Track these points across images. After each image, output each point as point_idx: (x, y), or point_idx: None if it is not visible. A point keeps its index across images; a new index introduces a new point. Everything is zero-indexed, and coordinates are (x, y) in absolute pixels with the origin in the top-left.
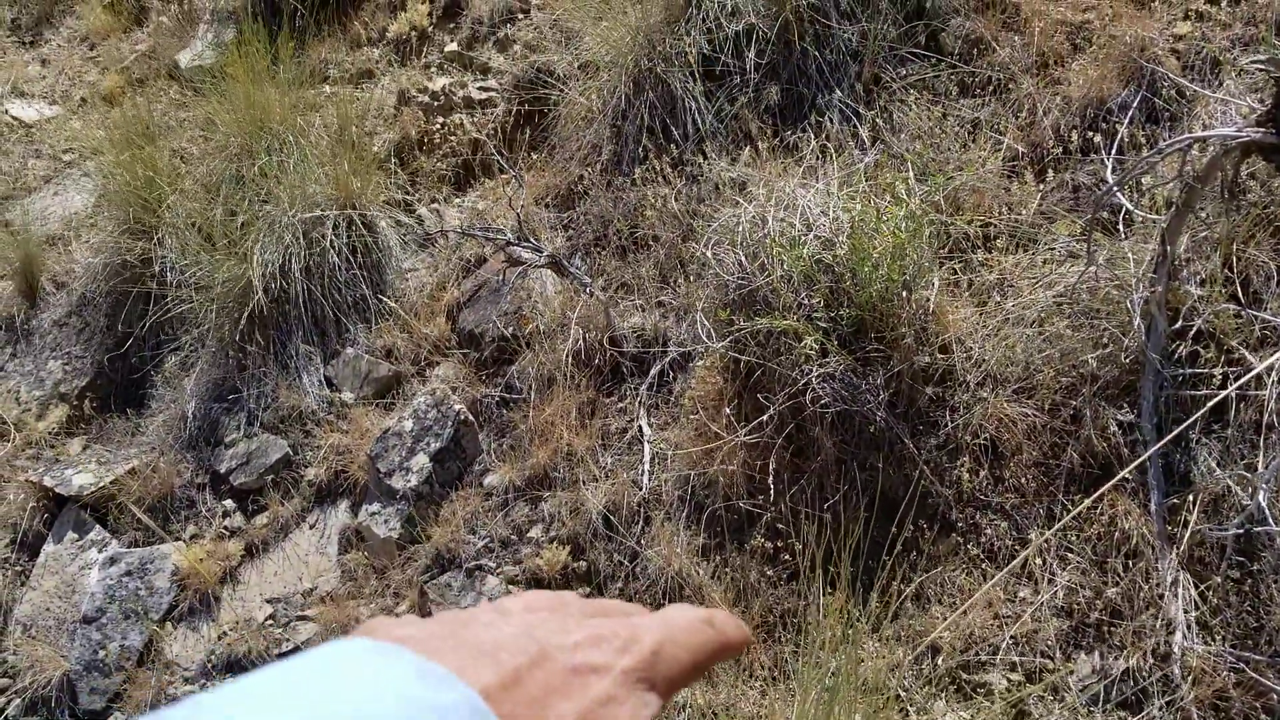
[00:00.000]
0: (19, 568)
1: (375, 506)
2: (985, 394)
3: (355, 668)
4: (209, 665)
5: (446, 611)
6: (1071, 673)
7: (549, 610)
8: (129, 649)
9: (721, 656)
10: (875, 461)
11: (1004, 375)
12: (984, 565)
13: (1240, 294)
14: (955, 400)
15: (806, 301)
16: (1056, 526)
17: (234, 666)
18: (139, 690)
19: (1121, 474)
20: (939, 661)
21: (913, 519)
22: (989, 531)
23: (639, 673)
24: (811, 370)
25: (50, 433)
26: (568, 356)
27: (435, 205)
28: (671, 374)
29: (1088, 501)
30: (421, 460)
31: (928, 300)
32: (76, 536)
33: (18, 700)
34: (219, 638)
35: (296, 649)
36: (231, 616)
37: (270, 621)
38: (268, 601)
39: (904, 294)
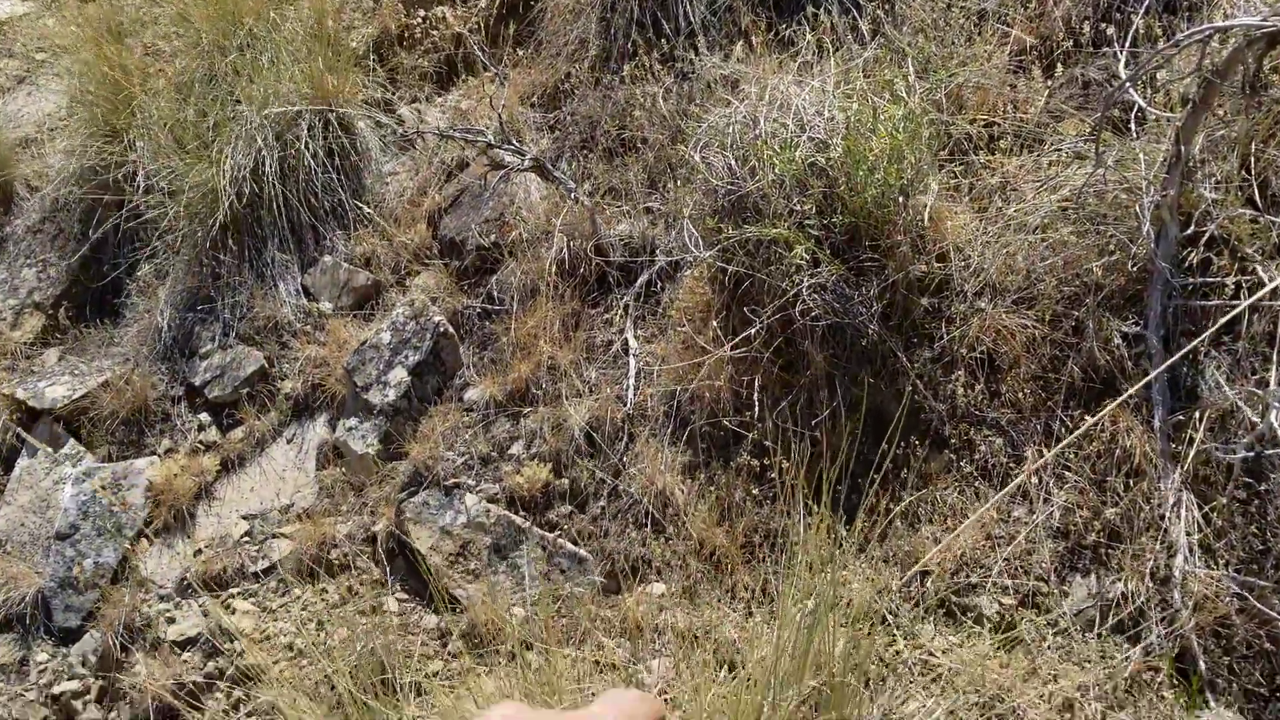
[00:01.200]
0: None
1: (353, 421)
2: (983, 304)
3: None
4: (184, 583)
5: None
6: (1066, 596)
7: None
8: (103, 566)
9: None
10: (866, 376)
11: (1003, 285)
12: (977, 484)
13: (1258, 197)
14: (951, 311)
15: (798, 208)
16: (1058, 446)
17: (211, 584)
18: (113, 608)
19: (1128, 392)
20: (928, 584)
21: (904, 436)
22: (983, 449)
23: None
24: (802, 281)
25: (25, 343)
26: (552, 265)
27: (416, 104)
28: (659, 284)
29: (1092, 420)
30: (399, 374)
31: (925, 206)
32: (51, 450)
33: None
34: (194, 555)
35: (272, 567)
36: (207, 533)
37: (246, 538)
38: (244, 518)
39: (901, 199)
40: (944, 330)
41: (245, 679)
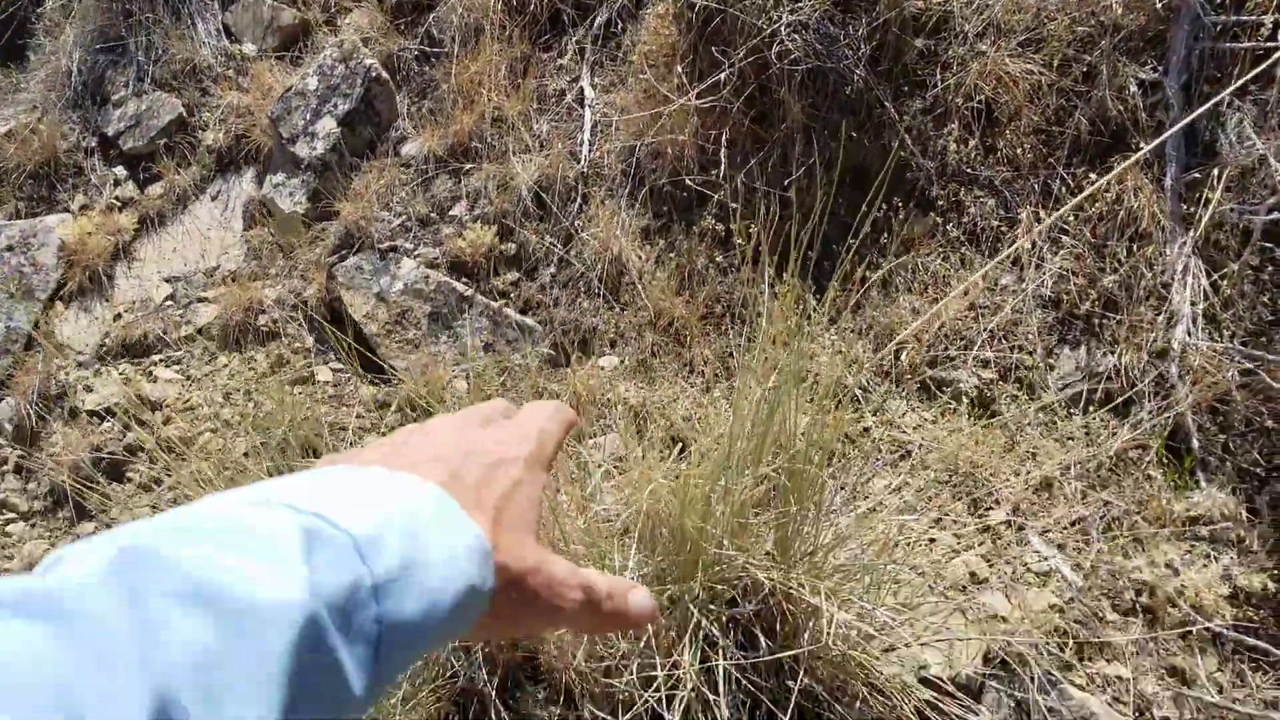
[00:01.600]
0: None
1: (279, 177)
2: (984, 47)
3: (366, 480)
4: (103, 349)
5: (385, 442)
6: (1052, 370)
7: (463, 422)
8: (15, 331)
9: (571, 430)
10: (849, 129)
11: (1009, 25)
12: (964, 250)
13: None
14: (948, 55)
15: None
16: (1059, 210)
17: (131, 350)
18: (27, 375)
19: (1142, 150)
20: (903, 358)
21: (886, 197)
22: (973, 211)
23: (533, 457)
24: (780, 17)
25: None
26: (497, 1)
27: None
28: (620, 24)
29: (1099, 179)
30: (328, 125)
31: None
32: None
33: None
34: (114, 319)
35: (198, 333)
36: (127, 297)
37: (170, 303)
38: (166, 281)
39: None
40: (938, 77)
41: (169, 450)
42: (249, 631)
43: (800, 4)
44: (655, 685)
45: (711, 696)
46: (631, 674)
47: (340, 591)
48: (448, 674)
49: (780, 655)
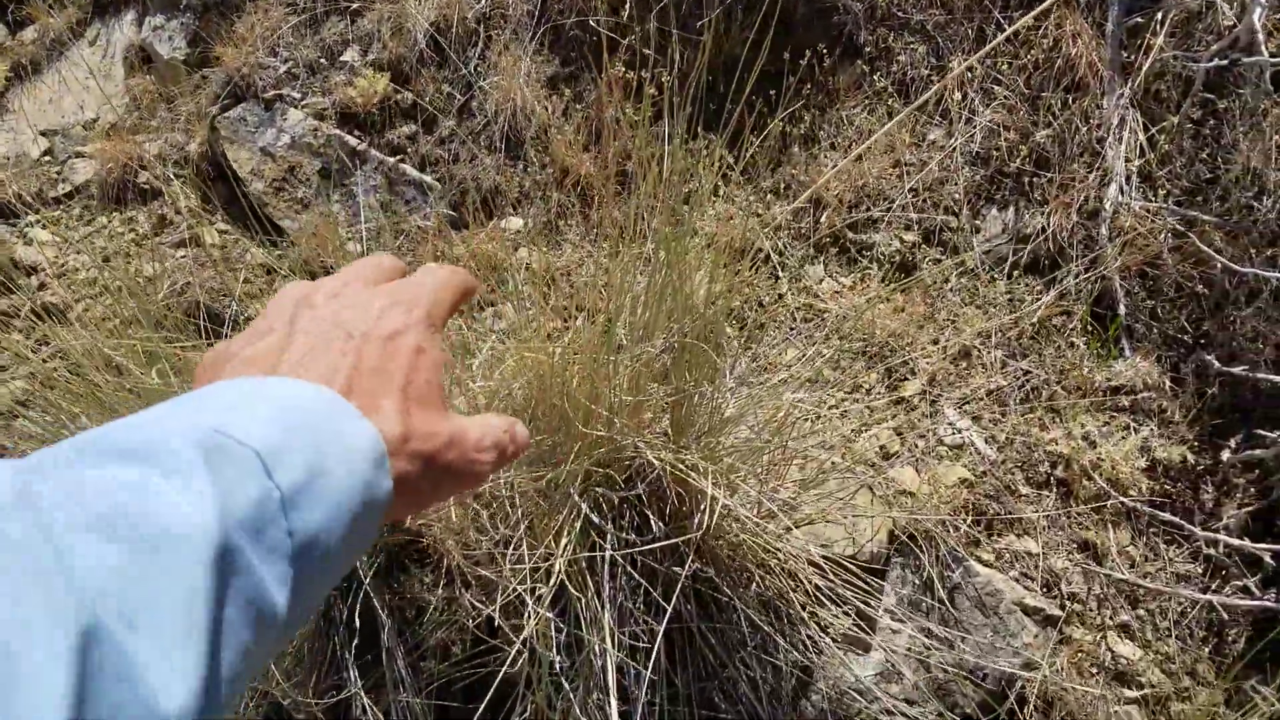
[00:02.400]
0: None
1: (159, 19)
2: None
3: (261, 390)
4: None
5: (266, 317)
6: (978, 231)
7: (343, 287)
8: None
9: (468, 296)
10: None
11: None
12: (890, 101)
13: None
14: None
15: None
16: (988, 46)
17: (4, 211)
18: None
19: None
20: (821, 218)
21: (811, 43)
22: (902, 58)
23: (428, 320)
24: None
25: None
26: None
27: None
28: None
29: (1032, 16)
30: None
31: None
32: None
33: None
34: None
35: (76, 191)
36: (0, 152)
37: (47, 158)
38: (42, 134)
39: None
40: None
41: (45, 316)
42: (164, 555)
43: None
44: (529, 575)
45: (592, 580)
46: (513, 562)
47: (250, 507)
48: None
49: (672, 540)
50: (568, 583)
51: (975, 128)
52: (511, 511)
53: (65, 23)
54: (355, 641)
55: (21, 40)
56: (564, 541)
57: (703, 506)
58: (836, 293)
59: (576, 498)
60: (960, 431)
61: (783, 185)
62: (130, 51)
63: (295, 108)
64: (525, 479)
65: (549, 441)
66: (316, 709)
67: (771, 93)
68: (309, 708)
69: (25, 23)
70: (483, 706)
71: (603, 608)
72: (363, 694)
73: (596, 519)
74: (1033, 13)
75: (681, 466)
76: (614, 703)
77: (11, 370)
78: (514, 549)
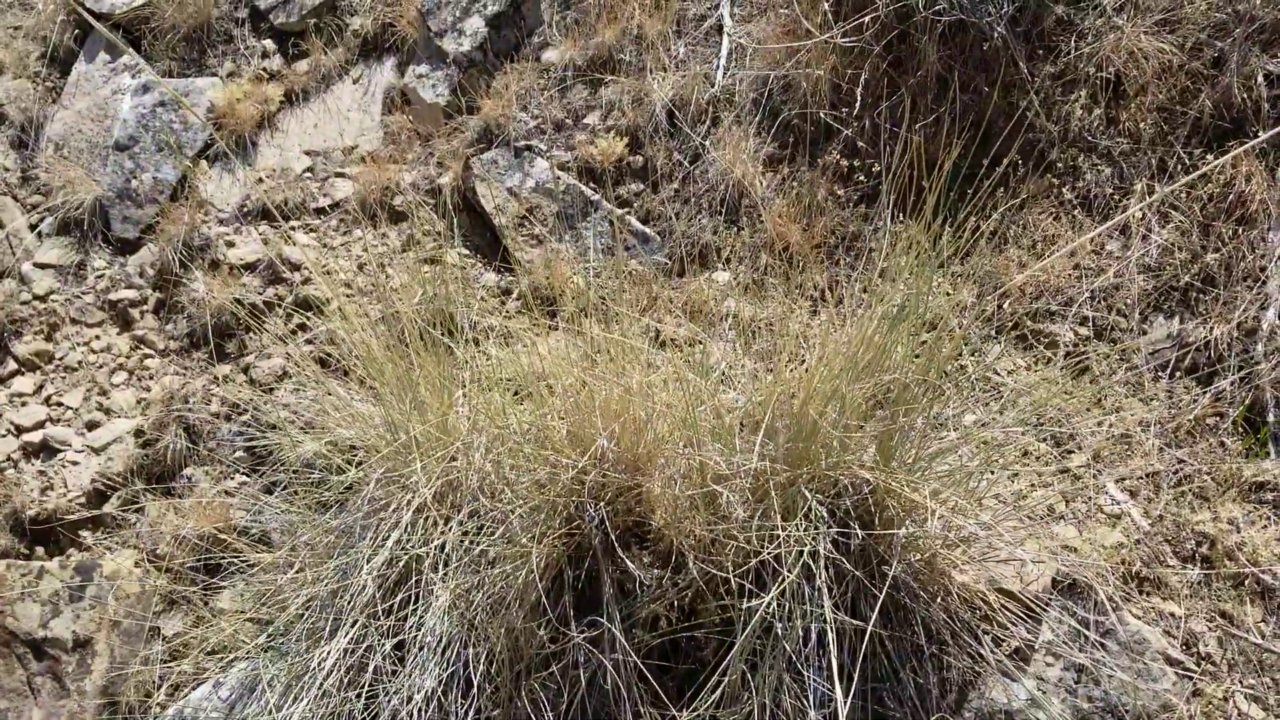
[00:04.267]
0: (50, 84)
1: (423, 68)
2: (1121, 22)
3: None
4: (244, 209)
5: None
6: (1145, 334)
7: None
8: (162, 182)
9: None
10: (981, 84)
11: (1146, 3)
12: (1076, 212)
13: None
14: (1085, 25)
15: None
16: (1175, 184)
17: (270, 214)
18: (173, 225)
19: (1263, 138)
20: (1005, 306)
21: (1008, 153)
22: (1090, 176)
23: None
24: None
25: None
26: None
27: None
28: None
29: (1215, 160)
30: (476, 23)
31: None
32: (109, 59)
33: (51, 219)
34: (256, 183)
35: (335, 205)
36: (269, 163)
37: (309, 174)
38: (306, 153)
39: None
40: (1073, 45)
41: (305, 307)
42: None
43: None
44: (763, 553)
45: (812, 565)
46: (745, 540)
47: None
48: (568, 527)
49: (880, 533)
50: (779, 569)
51: (1150, 244)
52: (731, 508)
53: (335, 61)
54: (579, 602)
55: (295, 70)
56: (794, 527)
57: (906, 520)
58: (1012, 371)
59: (809, 495)
60: (1119, 503)
61: (971, 273)
62: (390, 92)
63: (541, 157)
64: (748, 482)
65: (786, 445)
66: (536, 658)
67: (967, 192)
68: (528, 652)
69: (301, 56)
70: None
71: (800, 601)
72: (583, 646)
73: (821, 512)
74: (1217, 162)
75: (893, 483)
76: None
77: (270, 348)
78: (732, 538)
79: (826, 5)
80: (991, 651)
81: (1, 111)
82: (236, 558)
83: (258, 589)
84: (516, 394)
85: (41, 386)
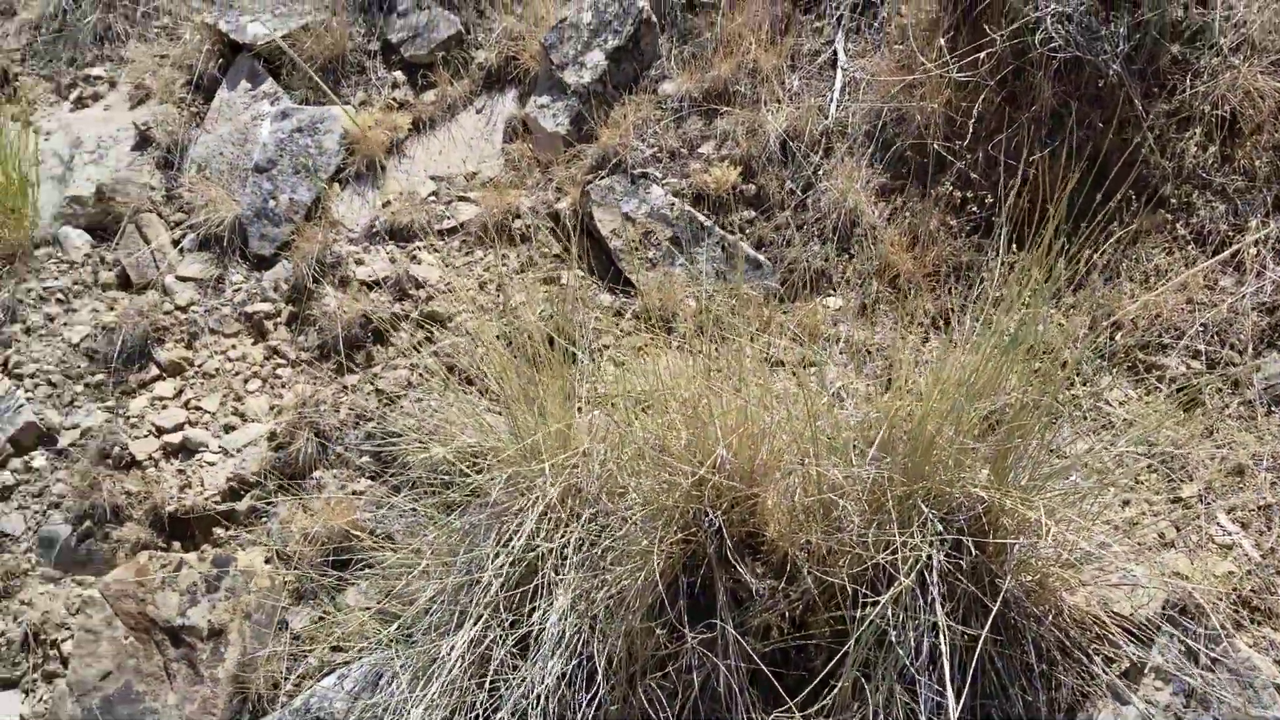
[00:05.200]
0: (194, 109)
1: (544, 99)
2: (1237, 61)
3: None
4: (373, 230)
5: None
6: (1259, 370)
7: None
8: (297, 203)
9: None
10: (1095, 120)
11: (1264, 44)
12: (1189, 248)
13: None
14: (1201, 64)
15: None
16: None
17: (396, 235)
18: (306, 243)
19: None
20: (1118, 337)
21: (1121, 188)
22: (1203, 213)
23: None
24: (1048, 6)
25: None
26: None
27: None
28: None
29: None
30: (597, 57)
31: None
32: (250, 86)
33: (192, 235)
34: (383, 205)
35: (459, 227)
36: (396, 187)
37: (433, 197)
38: (431, 178)
39: None
40: (1188, 83)
41: (430, 322)
42: None
43: None
44: (878, 558)
45: (926, 576)
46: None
47: None
48: (684, 534)
49: (994, 546)
50: (894, 578)
51: (1265, 280)
52: (847, 519)
53: (460, 91)
54: (693, 608)
55: (423, 100)
56: (914, 537)
57: (1020, 539)
58: (1123, 401)
59: (926, 509)
60: (1230, 534)
61: (1083, 305)
62: (512, 122)
63: (657, 184)
64: (861, 496)
65: (904, 460)
66: (651, 659)
67: (1081, 225)
68: (644, 653)
69: (429, 86)
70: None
71: (915, 613)
72: (697, 649)
73: (937, 526)
74: None
75: (1008, 501)
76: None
77: (395, 361)
78: (847, 549)
79: (942, 41)
80: (1104, 671)
81: (149, 134)
82: (363, 555)
83: (383, 585)
84: (635, 405)
85: (181, 391)
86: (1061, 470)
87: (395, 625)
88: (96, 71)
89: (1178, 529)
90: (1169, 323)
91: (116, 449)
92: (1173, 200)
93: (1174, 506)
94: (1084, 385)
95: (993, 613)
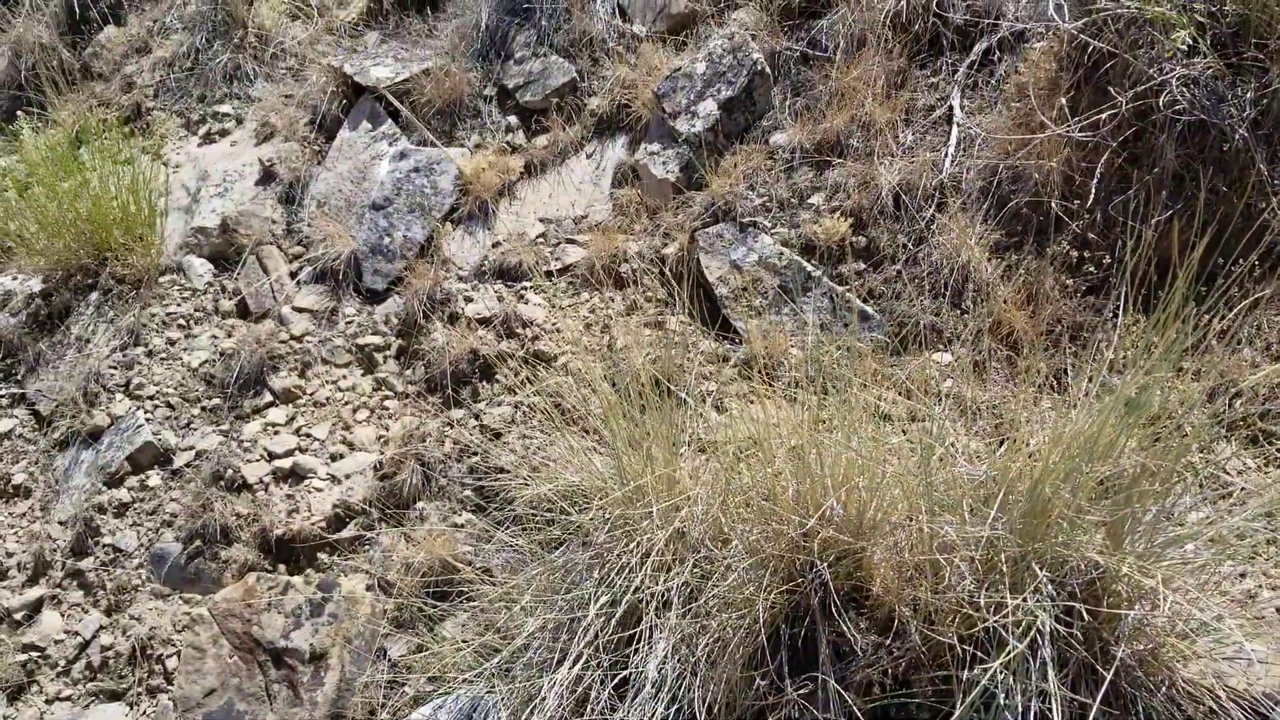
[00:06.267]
0: (316, 147)
1: (655, 146)
2: None
3: None
4: (482, 268)
5: None
6: None
7: None
8: (411, 240)
9: None
10: (1219, 184)
11: None
12: None
13: None
14: None
15: None
16: None
17: (505, 275)
18: (418, 279)
19: None
20: (1238, 405)
21: (1245, 254)
22: None
23: None
24: (1173, 70)
25: (350, 22)
26: (886, 17)
27: None
28: (998, 54)
29: None
30: (709, 106)
31: None
32: (370, 127)
33: (309, 268)
34: (493, 245)
35: (565, 269)
36: (506, 228)
37: (541, 239)
38: (540, 220)
39: None
40: None
41: (537, 360)
42: None
43: (1194, 60)
44: (988, 620)
45: (1038, 639)
46: (974, 608)
47: None
48: (788, 585)
49: (1107, 614)
50: (1004, 640)
51: None
52: (959, 577)
53: (570, 138)
54: (793, 660)
55: (535, 144)
56: (1027, 600)
57: (1135, 606)
58: (1242, 471)
59: (1040, 570)
60: None
61: (1202, 370)
62: (621, 168)
63: (766, 234)
64: (974, 555)
65: (1018, 521)
66: (750, 708)
67: (1202, 290)
68: (743, 703)
69: (541, 131)
70: None
71: (1025, 677)
72: (798, 702)
73: (1049, 589)
74: None
75: (1124, 567)
76: None
77: (500, 398)
78: (955, 608)
79: (1064, 100)
80: None
81: (272, 170)
82: (463, 588)
83: (482, 619)
84: (740, 453)
85: (293, 418)
86: (1179, 539)
87: (495, 660)
88: (225, 109)
89: None
90: None
91: (229, 471)
92: None
93: None
94: (1202, 453)
95: (1105, 681)
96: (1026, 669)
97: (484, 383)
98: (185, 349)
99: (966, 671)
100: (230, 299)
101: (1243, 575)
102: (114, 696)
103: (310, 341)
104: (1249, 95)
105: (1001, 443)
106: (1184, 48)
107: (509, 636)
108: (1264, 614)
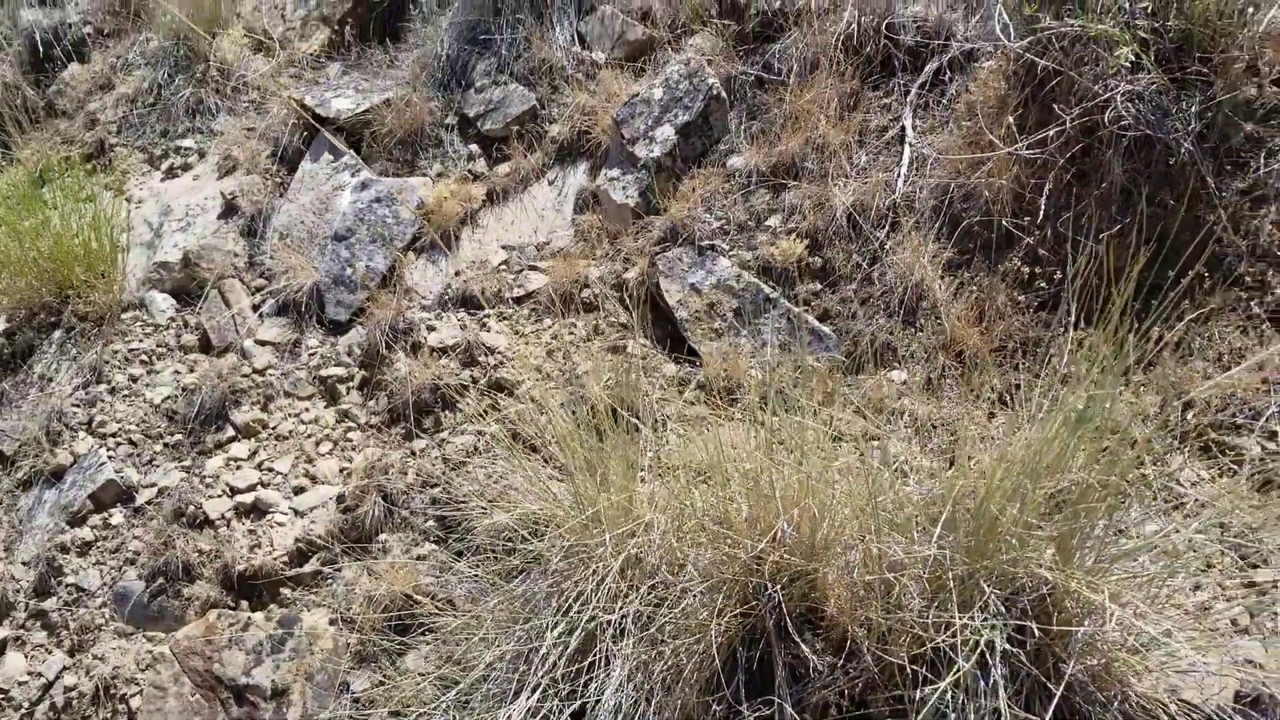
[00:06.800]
0: (278, 179)
1: (615, 172)
2: None
3: None
4: (445, 297)
5: None
6: None
7: None
8: (373, 270)
9: None
10: (1166, 198)
11: None
12: (1264, 326)
13: None
14: (1275, 142)
15: (1128, 5)
16: None
17: (468, 303)
18: (380, 309)
19: None
20: (1190, 416)
21: (1193, 265)
22: (1279, 291)
23: None
24: (1118, 86)
25: (311, 54)
26: (838, 40)
27: None
28: (948, 74)
29: None
30: (667, 132)
31: (1275, 20)
32: (331, 158)
33: (272, 300)
34: (456, 274)
35: (527, 296)
36: (468, 256)
37: (504, 266)
38: (503, 247)
39: (1248, 9)
40: (1262, 162)
41: (497, 389)
42: None
43: (1139, 76)
44: (937, 640)
45: (988, 657)
46: (921, 629)
47: None
48: (743, 608)
49: (1058, 631)
50: (954, 659)
51: None
52: (908, 597)
53: (533, 164)
54: (750, 683)
55: (497, 172)
56: (974, 619)
57: (1085, 621)
58: (1195, 482)
59: (988, 588)
60: None
61: (1154, 383)
62: (583, 194)
63: (724, 256)
64: (923, 574)
65: (964, 538)
66: None
67: (1152, 302)
68: None
69: (503, 159)
70: None
71: (976, 696)
72: None
73: (999, 607)
74: None
75: (1071, 582)
76: None
77: (462, 426)
78: (906, 628)
79: (1011, 119)
80: None
81: (234, 203)
82: (425, 620)
83: (443, 650)
84: (696, 477)
85: (255, 452)
86: (1129, 552)
87: (452, 692)
88: (187, 143)
89: (1251, 615)
90: (1244, 402)
91: (191, 508)
92: (1247, 278)
93: (1248, 591)
94: (1154, 465)
95: (1055, 698)
96: (978, 688)
97: (446, 412)
98: (148, 385)
99: (920, 691)
100: (192, 333)
101: (1197, 587)
102: None
103: (273, 374)
104: (1194, 109)
105: (951, 461)
106: (1128, 64)
107: (469, 668)
108: (1218, 625)
